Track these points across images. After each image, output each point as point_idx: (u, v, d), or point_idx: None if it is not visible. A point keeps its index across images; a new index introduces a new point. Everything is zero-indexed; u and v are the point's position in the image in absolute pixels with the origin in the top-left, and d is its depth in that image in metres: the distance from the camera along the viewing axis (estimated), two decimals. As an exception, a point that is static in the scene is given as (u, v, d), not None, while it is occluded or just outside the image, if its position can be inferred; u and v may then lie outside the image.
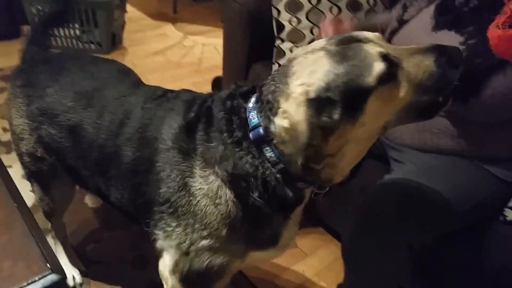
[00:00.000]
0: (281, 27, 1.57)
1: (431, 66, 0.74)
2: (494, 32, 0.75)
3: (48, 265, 0.77)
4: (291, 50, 1.56)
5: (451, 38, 1.05)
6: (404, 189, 1.04)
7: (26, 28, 3.09)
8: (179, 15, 3.78)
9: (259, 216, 0.85)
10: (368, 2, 1.57)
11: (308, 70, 0.73)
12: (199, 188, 0.85)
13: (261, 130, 0.79)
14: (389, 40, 1.26)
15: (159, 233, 0.93)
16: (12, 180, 0.98)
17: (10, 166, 1.92)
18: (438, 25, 1.11)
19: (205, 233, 0.87)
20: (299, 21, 1.53)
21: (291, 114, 0.73)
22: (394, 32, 1.25)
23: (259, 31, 1.70)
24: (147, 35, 3.35)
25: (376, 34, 0.77)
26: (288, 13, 1.54)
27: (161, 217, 0.91)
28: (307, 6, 1.52)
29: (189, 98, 0.96)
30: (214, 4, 3.97)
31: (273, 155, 0.79)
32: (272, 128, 0.77)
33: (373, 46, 0.73)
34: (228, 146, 0.82)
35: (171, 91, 1.03)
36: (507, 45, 0.75)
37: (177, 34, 3.41)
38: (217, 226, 0.86)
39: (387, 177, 1.12)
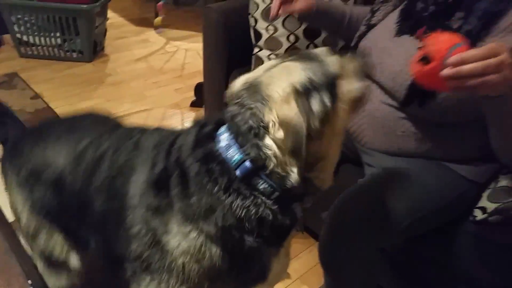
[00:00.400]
0: (258, 35, 1.60)
1: (353, 59, 0.84)
2: (414, 67, 0.80)
3: (29, 281, 0.77)
4: (269, 58, 1.59)
5: (410, 44, 1.09)
6: (366, 195, 1.06)
7: (5, 37, 3.08)
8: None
9: (250, 258, 0.81)
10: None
11: (283, 77, 0.75)
12: (177, 246, 0.80)
13: (247, 163, 0.75)
14: (357, 44, 1.30)
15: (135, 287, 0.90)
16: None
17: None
18: (400, 30, 1.15)
19: (183, 287, 0.83)
20: (275, 29, 1.56)
21: (283, 115, 0.72)
22: (362, 36, 1.29)
23: (237, 39, 1.73)
24: (129, 41, 3.36)
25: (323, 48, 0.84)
26: (265, 21, 1.57)
27: (134, 272, 0.88)
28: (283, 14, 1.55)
29: (156, 143, 0.90)
30: (196, 9, 4.00)
31: (267, 186, 0.76)
32: (263, 152, 0.74)
33: (320, 50, 0.82)
34: (214, 196, 0.77)
35: (144, 130, 0.98)
36: (425, 80, 0.79)
37: (159, 40, 3.42)
38: (197, 280, 0.82)
39: (359, 182, 1.15)
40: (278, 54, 1.57)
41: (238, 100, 0.79)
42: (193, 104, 2.58)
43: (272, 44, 1.58)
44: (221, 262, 0.80)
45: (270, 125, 0.73)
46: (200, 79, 2.46)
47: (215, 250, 0.79)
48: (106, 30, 3.18)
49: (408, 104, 1.08)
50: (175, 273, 0.82)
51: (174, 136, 0.89)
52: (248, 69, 1.68)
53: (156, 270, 0.84)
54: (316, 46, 1.59)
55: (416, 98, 1.06)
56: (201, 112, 2.52)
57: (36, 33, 2.89)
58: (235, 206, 0.76)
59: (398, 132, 1.14)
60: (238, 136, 0.77)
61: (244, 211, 0.76)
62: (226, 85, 1.90)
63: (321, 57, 0.79)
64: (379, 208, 1.00)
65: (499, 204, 1.09)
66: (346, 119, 0.80)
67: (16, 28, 2.87)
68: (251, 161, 0.75)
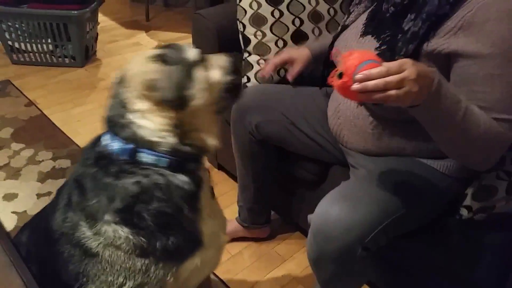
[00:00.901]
0: (247, 40, 1.62)
1: (224, 58, 1.00)
2: (330, 80, 0.90)
3: (30, 293, 0.80)
4: (258, 63, 1.61)
5: (370, 44, 1.14)
6: (348, 197, 1.08)
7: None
8: (151, 22, 3.79)
9: (163, 227, 0.89)
10: (328, 13, 1.64)
11: (139, 61, 0.91)
12: (98, 244, 0.88)
13: (126, 146, 0.88)
14: (332, 44, 1.33)
15: None
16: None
17: (-11, 189, 1.95)
18: (365, 32, 1.19)
19: (121, 279, 0.90)
20: (264, 34, 1.59)
21: (149, 75, 0.86)
22: (336, 36, 1.32)
23: (227, 44, 1.75)
24: (121, 45, 3.37)
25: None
26: (253, 27, 1.59)
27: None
28: (270, 20, 1.58)
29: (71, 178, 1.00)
30: (186, 10, 4.00)
31: (149, 156, 0.88)
32: (130, 130, 0.88)
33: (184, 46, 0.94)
34: (109, 186, 0.87)
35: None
36: (341, 92, 0.88)
37: (150, 43, 3.43)
38: (128, 265, 0.89)
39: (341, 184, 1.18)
40: (267, 59, 1.60)
41: (111, 95, 0.93)
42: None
43: (261, 49, 1.60)
44: (137, 238, 0.87)
45: (129, 101, 0.88)
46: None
47: (126, 230, 0.87)
48: (97, 35, 3.19)
49: (363, 103, 1.13)
50: (109, 271, 0.89)
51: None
52: (238, 74, 1.73)
53: (95, 277, 0.90)
54: (304, 50, 1.62)
55: None
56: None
57: (27, 40, 2.89)
58: (127, 185, 0.86)
59: (369, 130, 1.18)
60: (113, 127, 0.90)
61: (137, 187, 0.86)
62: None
63: (182, 48, 0.92)
64: (359, 209, 1.03)
65: (483, 202, 1.14)
66: (208, 100, 0.92)
67: (7, 35, 2.88)
68: (127, 142, 0.87)
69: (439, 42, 1.01)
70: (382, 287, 1.45)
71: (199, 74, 0.91)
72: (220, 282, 1.57)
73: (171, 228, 0.91)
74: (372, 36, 1.15)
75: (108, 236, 0.88)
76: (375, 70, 0.83)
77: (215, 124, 0.99)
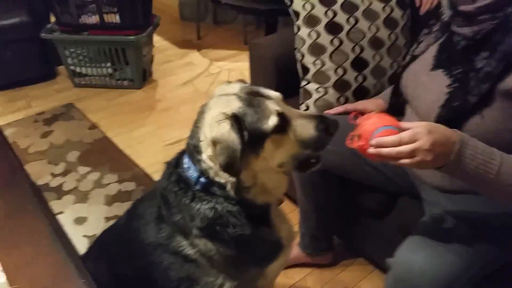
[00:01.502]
0: (306, 69, 1.63)
1: (311, 129, 0.94)
2: (348, 142, 0.96)
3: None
4: (317, 91, 1.62)
5: (440, 80, 1.11)
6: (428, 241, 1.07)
7: (60, 69, 3.26)
8: (202, 41, 3.89)
9: (245, 245, 1.00)
10: (389, 38, 1.62)
11: (223, 105, 0.92)
12: (195, 252, 1.00)
13: (202, 179, 0.96)
14: (400, 73, 1.31)
15: None
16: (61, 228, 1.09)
17: (62, 212, 2.06)
18: (436, 65, 1.16)
19: (220, 280, 1.02)
20: (323, 63, 1.59)
21: (216, 134, 0.89)
22: (405, 66, 1.30)
23: (284, 71, 1.77)
24: (175, 65, 3.48)
25: (277, 94, 0.97)
26: (312, 56, 1.60)
27: None
28: (330, 49, 1.58)
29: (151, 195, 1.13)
30: (235, 26, 4.06)
31: (221, 192, 0.97)
32: (202, 166, 0.96)
33: (272, 104, 0.92)
34: (186, 207, 0.98)
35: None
36: (362, 153, 0.94)
37: (203, 61, 3.52)
38: (222, 269, 1.02)
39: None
40: (327, 88, 1.60)
41: (195, 122, 0.99)
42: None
43: (320, 78, 1.61)
44: (226, 251, 0.99)
45: (202, 143, 0.94)
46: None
47: (215, 245, 0.99)
48: (153, 57, 3.31)
49: None
50: (209, 272, 1.02)
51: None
52: (295, 101, 1.74)
53: (197, 278, 1.02)
54: (364, 77, 1.61)
55: None
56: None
57: (88, 64, 3.06)
58: (203, 210, 0.97)
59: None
60: (191, 155, 0.98)
61: (211, 211, 0.97)
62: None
63: (264, 109, 0.91)
64: (445, 259, 1.01)
65: None
66: (271, 165, 0.96)
67: (69, 60, 3.05)
68: (202, 175, 0.96)
69: None
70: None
71: (268, 146, 0.92)
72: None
73: (253, 243, 1.02)
74: (443, 71, 1.13)
75: (201, 248, 1.00)
76: (388, 139, 0.89)
77: (281, 181, 1.04)
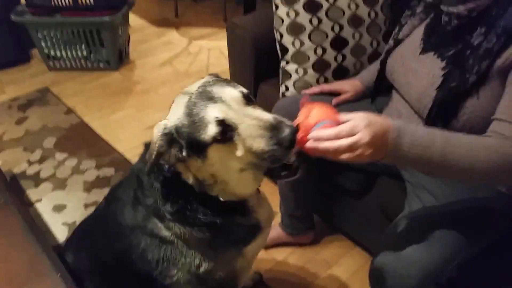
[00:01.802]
0: (285, 49, 1.60)
1: (261, 142, 0.82)
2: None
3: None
4: (296, 71, 1.59)
5: (432, 63, 1.09)
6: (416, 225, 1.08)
7: (33, 52, 3.15)
8: (181, 19, 3.80)
9: (219, 230, 1.00)
10: (369, 16, 1.59)
11: (175, 109, 0.90)
12: (171, 235, 1.01)
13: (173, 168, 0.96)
14: (385, 60, 1.29)
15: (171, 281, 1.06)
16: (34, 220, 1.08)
17: (40, 200, 2.02)
18: (425, 48, 1.14)
19: (197, 261, 1.03)
20: (302, 43, 1.56)
21: (152, 137, 0.90)
22: (389, 51, 1.28)
23: (263, 52, 1.73)
24: (153, 45, 3.39)
25: (233, 94, 0.87)
26: (291, 36, 1.57)
27: (161, 273, 1.04)
28: (308, 28, 1.55)
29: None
30: (214, 4, 3.97)
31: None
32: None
33: (216, 110, 0.84)
34: (158, 192, 0.99)
35: None
36: (300, 145, 0.87)
37: (181, 40, 3.44)
38: (200, 251, 1.02)
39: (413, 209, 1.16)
40: (306, 68, 1.57)
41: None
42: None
43: (299, 58, 1.57)
44: (201, 235, 0.99)
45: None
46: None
47: (188, 229, 0.99)
48: (129, 37, 3.22)
49: (432, 124, 1.08)
50: (186, 253, 1.02)
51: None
52: (276, 82, 1.71)
53: (175, 259, 1.02)
54: (344, 57, 1.58)
55: (439, 119, 1.07)
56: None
57: (62, 47, 2.95)
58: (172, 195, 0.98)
59: None
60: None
61: (182, 198, 0.97)
62: (254, 98, 1.92)
63: (207, 117, 0.84)
64: (435, 250, 1.01)
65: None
66: (228, 169, 0.90)
67: (43, 43, 2.94)
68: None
69: (509, 52, 0.95)
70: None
71: (212, 154, 0.87)
72: (267, 291, 1.59)
73: (227, 228, 1.01)
74: (434, 54, 1.10)
75: (176, 231, 1.00)
76: (324, 132, 0.84)
77: (248, 182, 0.98)
